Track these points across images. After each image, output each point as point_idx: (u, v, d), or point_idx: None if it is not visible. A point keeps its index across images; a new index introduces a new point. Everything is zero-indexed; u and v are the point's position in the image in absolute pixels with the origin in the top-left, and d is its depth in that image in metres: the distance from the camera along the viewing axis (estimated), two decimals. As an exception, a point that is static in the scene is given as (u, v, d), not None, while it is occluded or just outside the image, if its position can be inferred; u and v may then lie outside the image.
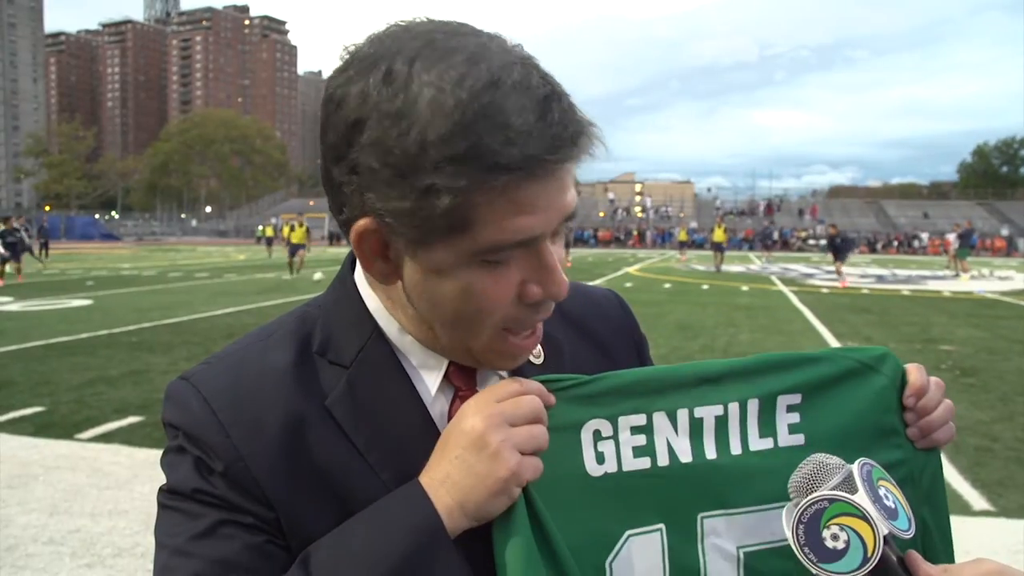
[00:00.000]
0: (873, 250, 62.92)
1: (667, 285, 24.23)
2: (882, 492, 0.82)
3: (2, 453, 6.25)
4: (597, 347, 1.12)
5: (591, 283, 1.32)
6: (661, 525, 0.93)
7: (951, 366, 10.40)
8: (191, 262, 35.43)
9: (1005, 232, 65.91)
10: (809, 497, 0.81)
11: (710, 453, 0.95)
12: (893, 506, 0.82)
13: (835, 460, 0.84)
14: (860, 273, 32.54)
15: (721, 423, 0.96)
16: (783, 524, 0.83)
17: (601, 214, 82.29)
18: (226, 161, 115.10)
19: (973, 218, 62.01)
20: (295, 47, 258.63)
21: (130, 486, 5.54)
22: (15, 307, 16.29)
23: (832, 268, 28.52)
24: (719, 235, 33.21)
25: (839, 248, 27.14)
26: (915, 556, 0.82)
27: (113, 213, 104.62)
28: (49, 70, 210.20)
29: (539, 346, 1.03)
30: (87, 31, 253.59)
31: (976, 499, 5.43)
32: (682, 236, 43.64)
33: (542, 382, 0.92)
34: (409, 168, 0.78)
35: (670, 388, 0.95)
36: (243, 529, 0.87)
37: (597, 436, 0.93)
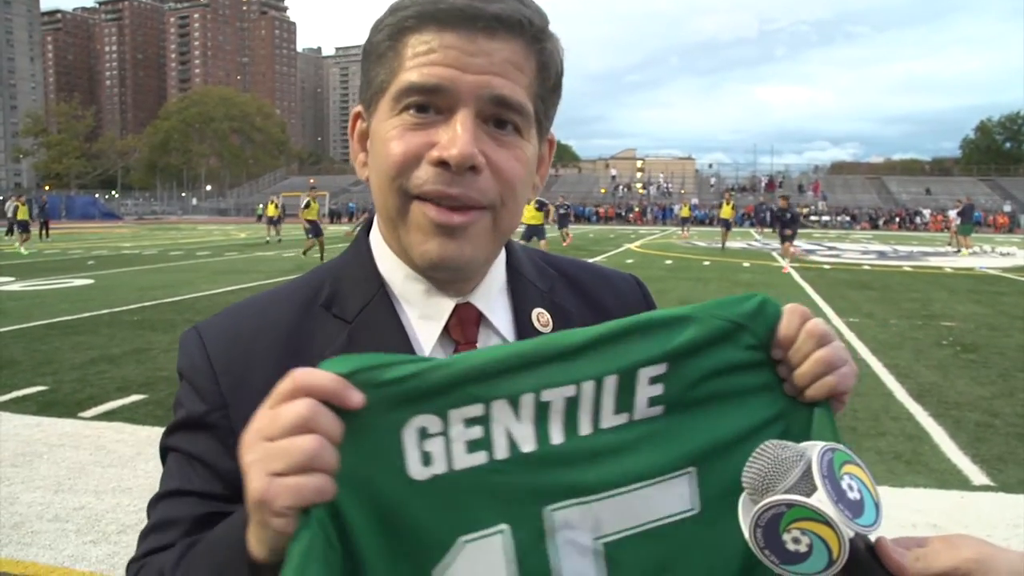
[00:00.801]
0: (875, 226, 62.79)
1: (668, 261, 24.23)
2: (845, 484, 0.74)
3: (6, 432, 6.28)
4: (602, 316, 1.08)
5: (592, 259, 1.32)
6: (503, 526, 0.81)
7: (952, 342, 10.42)
8: (192, 240, 35.40)
9: (1008, 208, 65.73)
10: (764, 502, 0.73)
11: (556, 438, 0.82)
12: (858, 497, 0.74)
13: (791, 451, 0.75)
14: (862, 249, 32.51)
15: (571, 404, 0.83)
16: (740, 522, 0.76)
17: (602, 191, 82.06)
18: (226, 139, 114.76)
19: (976, 194, 61.94)
20: (294, 24, 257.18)
21: (133, 463, 5.56)
22: (17, 287, 16.29)
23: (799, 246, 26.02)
24: (727, 212, 32.42)
25: (787, 223, 22.43)
26: (884, 543, 0.77)
27: (113, 192, 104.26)
28: (46, 49, 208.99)
29: (547, 315, 1.06)
30: (83, 9, 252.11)
31: (976, 474, 5.46)
32: (684, 212, 43.35)
33: (353, 371, 0.76)
34: (370, 39, 0.98)
35: (515, 370, 0.81)
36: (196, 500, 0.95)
37: (423, 434, 0.78)
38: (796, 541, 0.73)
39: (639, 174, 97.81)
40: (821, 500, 0.72)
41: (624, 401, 0.85)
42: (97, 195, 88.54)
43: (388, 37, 0.93)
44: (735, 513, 0.81)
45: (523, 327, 1.05)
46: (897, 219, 64.40)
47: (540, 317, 1.07)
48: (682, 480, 0.87)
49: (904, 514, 4.77)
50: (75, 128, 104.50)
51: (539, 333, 1.04)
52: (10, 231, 27.43)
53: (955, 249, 31.00)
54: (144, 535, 0.97)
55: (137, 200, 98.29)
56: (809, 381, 0.86)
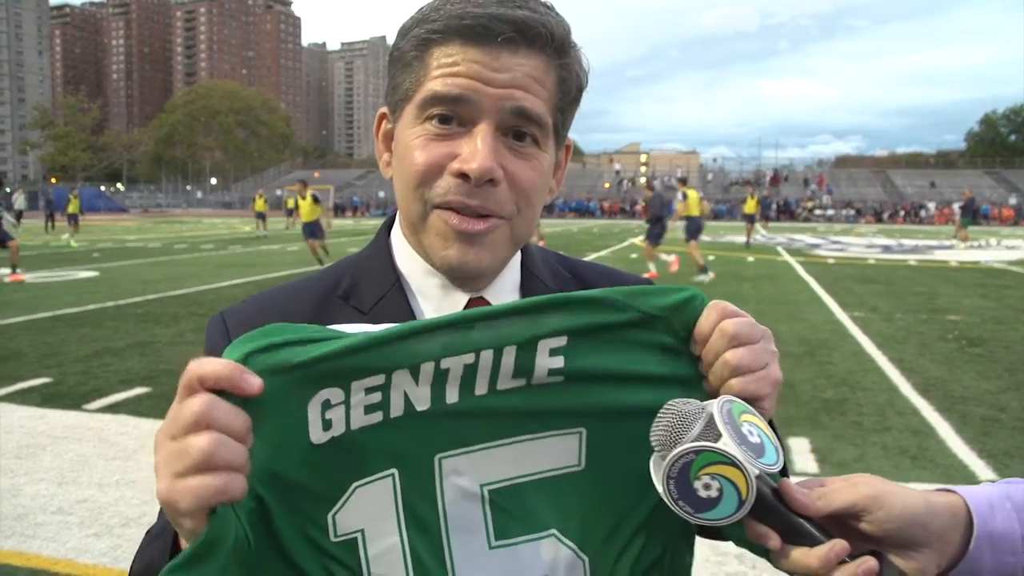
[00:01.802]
0: (880, 220, 62.69)
1: (672, 256, 24.18)
2: (745, 429, 0.78)
3: (10, 424, 6.28)
4: None
5: (595, 254, 1.32)
6: (393, 470, 0.85)
7: (957, 336, 10.38)
8: (196, 234, 35.45)
9: (1013, 201, 65.52)
10: (674, 452, 0.77)
11: (451, 398, 0.85)
12: (759, 440, 0.78)
13: (693, 406, 0.79)
14: (866, 243, 32.44)
15: (469, 370, 0.85)
16: (653, 479, 0.80)
17: (606, 185, 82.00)
18: (231, 133, 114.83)
19: (981, 187, 61.85)
20: (299, 18, 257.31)
21: (137, 456, 5.56)
22: (22, 278, 16.33)
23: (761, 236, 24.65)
24: (751, 206, 31.21)
25: (652, 220, 17.99)
26: (787, 484, 0.81)
27: (119, 185, 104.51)
28: (54, 43, 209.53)
29: None
30: (91, 3, 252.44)
31: (982, 469, 5.44)
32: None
33: (248, 355, 0.77)
34: (396, 44, 1.01)
35: (416, 340, 0.83)
36: None
37: (326, 406, 0.81)
38: (707, 487, 0.77)
39: (643, 168, 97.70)
40: (726, 443, 0.76)
41: (522, 368, 0.86)
42: (103, 188, 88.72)
43: (414, 47, 0.97)
44: (618, 473, 0.89)
45: None
46: (902, 212, 64.30)
47: None
48: (571, 438, 0.90)
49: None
50: (81, 121, 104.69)
51: None
52: (50, 224, 27.54)
53: (960, 242, 30.94)
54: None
55: (142, 193, 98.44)
56: (716, 383, 0.86)
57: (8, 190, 17.62)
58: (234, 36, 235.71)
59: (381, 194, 76.41)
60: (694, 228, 17.66)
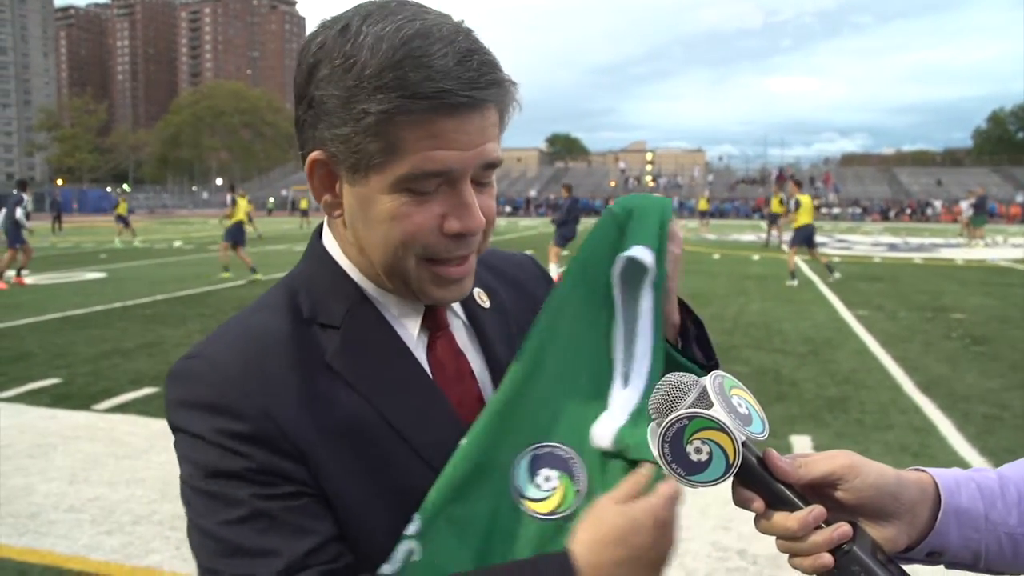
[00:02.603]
0: (886, 218, 62.56)
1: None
2: (735, 401, 0.87)
3: (22, 423, 6.36)
4: (518, 288, 1.29)
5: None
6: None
7: (961, 334, 10.40)
8: (203, 234, 35.52)
9: (1020, 199, 65.29)
10: (670, 417, 0.85)
11: None
12: (747, 412, 0.87)
13: (688, 377, 0.88)
14: (872, 242, 32.39)
15: None
16: (649, 444, 0.87)
17: (612, 183, 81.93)
18: (236, 133, 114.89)
19: (988, 185, 61.53)
20: (303, 19, 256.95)
21: (147, 455, 5.63)
22: (30, 280, 16.42)
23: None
24: (776, 206, 30.19)
25: (561, 222, 17.43)
26: (771, 453, 0.89)
27: (125, 186, 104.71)
28: (59, 44, 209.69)
29: (485, 294, 1.20)
30: (96, 4, 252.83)
31: (983, 466, 5.46)
32: (702, 205, 42.54)
33: None
34: (349, 96, 0.93)
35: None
36: (282, 499, 0.93)
37: None
38: (698, 451, 0.85)
39: (649, 167, 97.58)
40: (716, 411, 0.85)
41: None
42: (109, 189, 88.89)
43: (382, 116, 0.92)
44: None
45: (471, 306, 1.18)
46: (908, 210, 64.13)
47: (480, 296, 1.20)
48: None
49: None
50: (87, 122, 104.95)
51: (483, 310, 1.19)
52: (57, 225, 27.88)
53: (966, 241, 30.86)
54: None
55: (148, 194, 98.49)
56: None
57: (26, 195, 17.51)
58: (239, 36, 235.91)
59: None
60: (807, 235, 16.92)
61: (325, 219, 1.11)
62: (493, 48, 0.99)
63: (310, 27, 1.06)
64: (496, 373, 1.13)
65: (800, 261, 21.44)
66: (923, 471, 0.96)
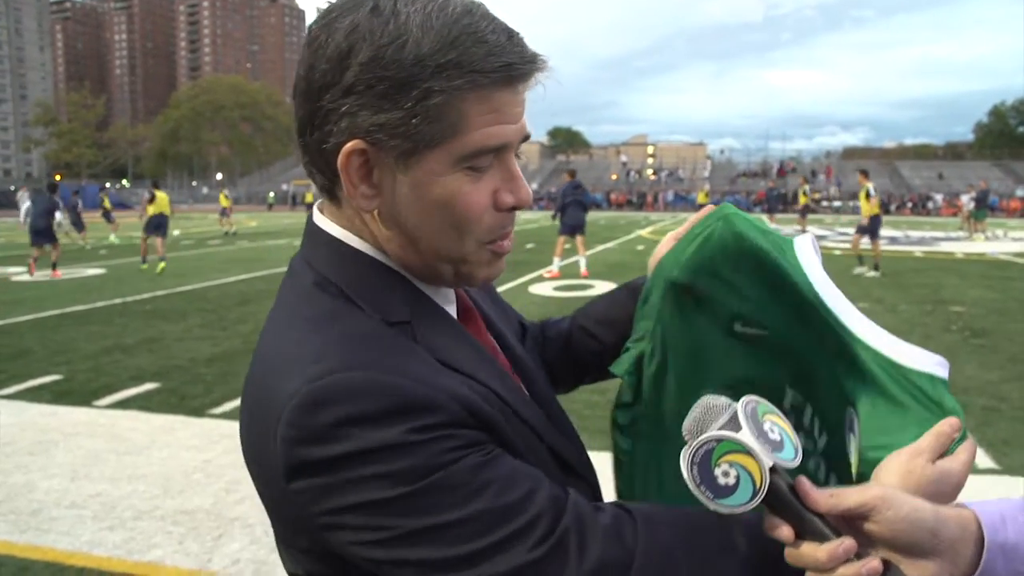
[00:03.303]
0: (887, 211, 62.43)
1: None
2: (767, 426, 0.85)
3: (22, 420, 6.37)
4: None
5: (602, 247, 1.39)
6: None
7: (961, 327, 10.42)
8: (202, 229, 35.56)
9: (1021, 193, 65.26)
10: (699, 439, 0.85)
11: None
12: (779, 439, 0.85)
13: (722, 400, 0.87)
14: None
15: None
16: (681, 466, 0.86)
17: (614, 177, 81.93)
18: (236, 127, 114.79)
19: (989, 178, 61.42)
20: (303, 11, 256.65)
21: (148, 451, 5.65)
22: (30, 277, 16.43)
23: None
24: (803, 198, 30.89)
25: (563, 207, 16.51)
26: (803, 481, 0.86)
27: (124, 182, 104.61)
28: (55, 38, 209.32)
29: None
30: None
31: (982, 457, 5.49)
32: (701, 198, 42.86)
33: None
34: (406, 77, 0.89)
35: None
36: (500, 458, 0.91)
37: None
38: (725, 475, 0.83)
39: (650, 160, 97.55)
40: (744, 435, 0.84)
41: None
42: (108, 184, 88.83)
43: (452, 88, 0.90)
44: None
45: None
46: (909, 204, 64.09)
47: None
48: None
49: (909, 499, 4.81)
50: (85, 117, 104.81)
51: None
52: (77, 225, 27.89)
53: (967, 234, 30.86)
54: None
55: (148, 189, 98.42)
56: None
57: (59, 197, 18.24)
58: (238, 30, 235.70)
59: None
60: (877, 226, 17.24)
61: (324, 217, 1.05)
62: None
63: (309, 20, 1.03)
64: (503, 345, 1.17)
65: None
66: (964, 507, 0.90)
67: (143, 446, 5.76)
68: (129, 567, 4.02)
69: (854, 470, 1.11)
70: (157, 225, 18.51)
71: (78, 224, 27.14)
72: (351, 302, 0.98)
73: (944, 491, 0.92)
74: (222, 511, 4.63)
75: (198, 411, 6.56)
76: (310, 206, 13.29)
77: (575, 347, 1.45)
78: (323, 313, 0.97)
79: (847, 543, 0.82)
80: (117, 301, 12.77)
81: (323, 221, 1.06)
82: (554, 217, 17.02)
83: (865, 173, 18.09)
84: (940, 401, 1.07)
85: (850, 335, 1.14)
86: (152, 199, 18.87)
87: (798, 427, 1.26)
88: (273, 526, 1.00)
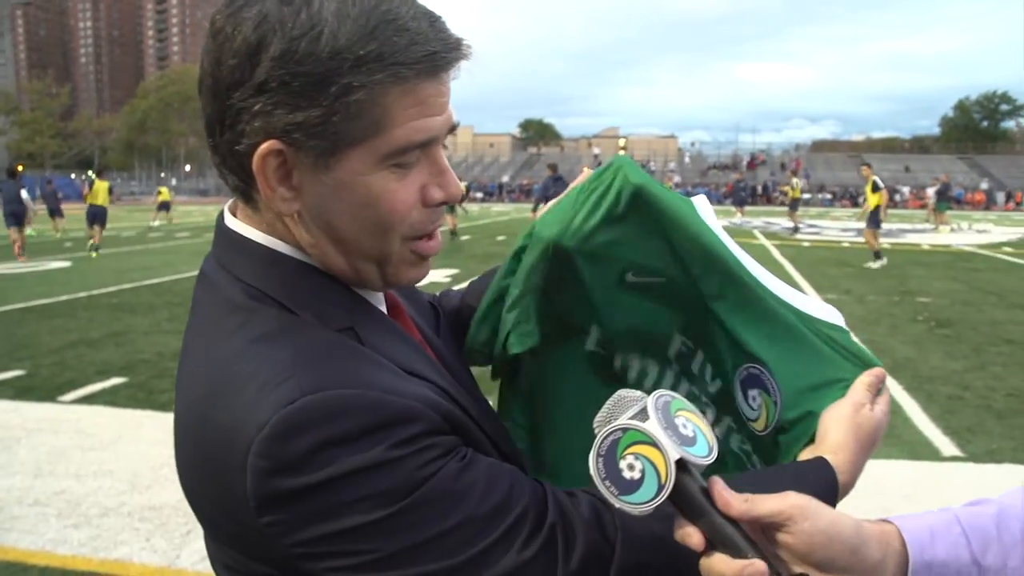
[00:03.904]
0: (855, 204, 63.05)
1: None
2: (679, 421, 0.80)
3: (-15, 416, 6.27)
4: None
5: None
6: None
7: (927, 317, 10.56)
8: (174, 222, 35.17)
9: (985, 186, 66.25)
10: (606, 428, 0.80)
11: None
12: (692, 434, 0.79)
13: (636, 393, 0.82)
14: (841, 227, 32.67)
15: None
16: (589, 460, 0.81)
17: (585, 169, 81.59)
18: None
19: (954, 172, 62.31)
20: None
21: (114, 447, 5.58)
22: (23, 263, 16.20)
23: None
24: (798, 192, 30.27)
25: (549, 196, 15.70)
26: (716, 481, 0.80)
27: (90, 172, 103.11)
28: (16, 24, 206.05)
29: None
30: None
31: (946, 445, 5.57)
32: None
33: None
34: (323, 73, 0.83)
35: None
36: (478, 460, 0.89)
37: None
38: (631, 468, 0.78)
39: (622, 152, 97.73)
40: (651, 424, 0.78)
41: None
42: (73, 176, 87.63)
43: (373, 83, 0.85)
44: None
45: None
46: (877, 196, 64.71)
47: None
48: None
49: (876, 485, 4.86)
50: (49, 106, 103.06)
51: None
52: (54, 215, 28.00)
53: (933, 226, 31.24)
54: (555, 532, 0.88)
55: (115, 181, 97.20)
56: None
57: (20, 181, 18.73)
58: (207, 19, 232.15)
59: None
60: (876, 218, 17.50)
61: (240, 220, 0.99)
62: (466, 34, 0.93)
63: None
64: (423, 335, 1.14)
65: (771, 246, 21.60)
66: (890, 522, 0.85)
67: (109, 442, 5.69)
68: (95, 565, 3.96)
69: (763, 423, 1.13)
70: (93, 215, 19.48)
71: (56, 212, 27.67)
72: (291, 313, 0.92)
73: (879, 428, 1.02)
74: (190, 507, 4.57)
75: (166, 406, 6.48)
76: (163, 205, 13.12)
77: (464, 324, 1.41)
78: (272, 329, 0.90)
79: (757, 565, 0.76)
80: (83, 294, 12.60)
81: (240, 225, 0.98)
82: (534, 210, 17.20)
83: (869, 166, 18.50)
84: (857, 352, 1.09)
85: (763, 288, 1.14)
86: (91, 185, 19.95)
87: (686, 373, 1.29)
88: (217, 550, 0.95)
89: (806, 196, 65.25)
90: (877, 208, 17.22)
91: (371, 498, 0.80)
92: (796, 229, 28.84)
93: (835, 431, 1.01)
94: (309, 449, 0.79)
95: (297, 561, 0.83)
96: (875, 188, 17.14)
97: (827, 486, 0.96)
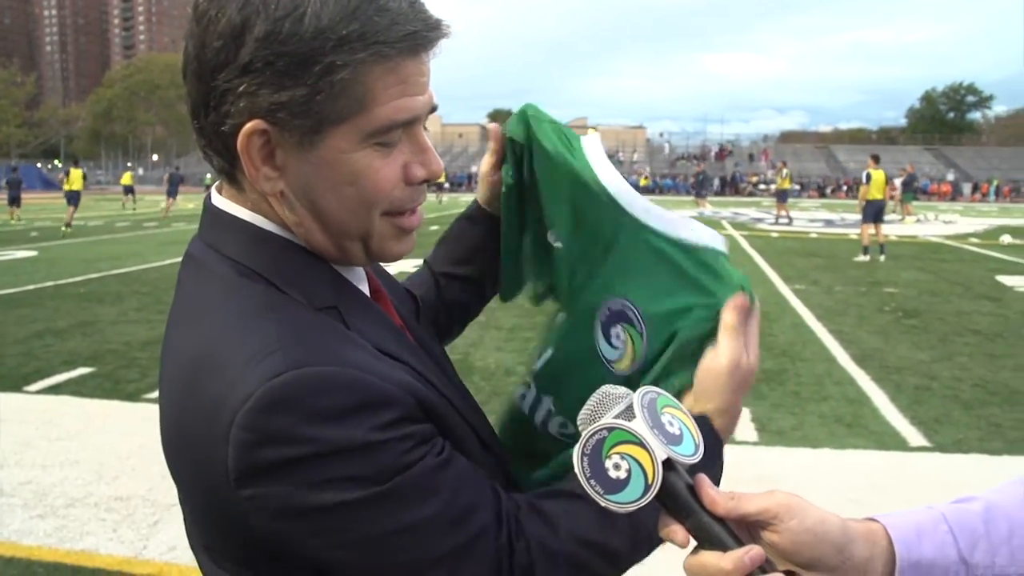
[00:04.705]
0: (823, 195, 63.69)
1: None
2: (665, 419, 0.80)
3: (-52, 407, 6.17)
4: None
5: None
6: None
7: (894, 308, 10.67)
8: (139, 211, 34.78)
9: (951, 177, 67.08)
10: (590, 428, 0.79)
11: None
12: (678, 432, 0.80)
13: (621, 390, 0.82)
14: (809, 218, 33.01)
15: None
16: (573, 459, 0.80)
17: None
18: (173, 107, 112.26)
19: (920, 163, 63.12)
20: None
21: (81, 437, 5.51)
22: (-44, 259, 15.94)
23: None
24: (785, 182, 29.42)
25: None
26: (702, 479, 0.80)
27: (56, 162, 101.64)
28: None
29: None
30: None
31: (914, 435, 5.63)
32: (643, 182, 43.19)
33: None
34: (307, 52, 0.85)
35: None
36: (448, 458, 0.90)
37: None
38: (617, 467, 0.77)
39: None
40: (637, 424, 0.78)
41: None
42: (39, 165, 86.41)
43: (356, 62, 0.86)
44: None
45: None
46: (844, 187, 65.34)
47: None
48: None
49: (844, 476, 4.92)
50: (15, 95, 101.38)
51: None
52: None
53: (899, 217, 31.59)
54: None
55: (81, 170, 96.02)
56: None
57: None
58: (174, 7, 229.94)
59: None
60: (876, 209, 17.21)
61: (226, 200, 0.99)
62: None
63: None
64: (404, 320, 1.14)
65: (740, 236, 21.73)
66: (877, 521, 0.85)
67: (76, 432, 5.62)
68: (61, 556, 3.92)
69: (628, 361, 1.12)
70: (70, 198, 24.75)
71: (16, 201, 28.56)
72: (279, 290, 0.93)
73: (749, 375, 1.01)
74: (158, 497, 4.54)
75: (133, 396, 6.42)
76: (128, 189, 13.25)
77: (448, 294, 1.43)
78: (258, 304, 0.91)
79: (754, 552, 0.76)
80: (49, 284, 12.43)
81: (226, 204, 0.99)
82: None
83: (876, 159, 18.19)
84: (728, 274, 1.05)
85: (634, 220, 1.13)
86: (67, 174, 25.57)
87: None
88: (196, 531, 0.96)
89: (773, 187, 65.81)
90: (873, 200, 17.27)
91: (352, 479, 0.81)
92: (789, 220, 28.66)
93: (715, 389, 1.00)
94: (293, 423, 0.80)
95: (273, 538, 0.84)
96: (867, 180, 17.32)
97: (712, 453, 0.93)
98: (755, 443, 5.46)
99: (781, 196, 29.67)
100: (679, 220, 1.10)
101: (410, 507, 0.84)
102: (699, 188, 37.31)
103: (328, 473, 0.81)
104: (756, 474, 4.80)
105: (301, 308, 0.92)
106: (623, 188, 1.13)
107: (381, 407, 0.84)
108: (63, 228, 22.35)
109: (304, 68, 0.85)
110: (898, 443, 5.49)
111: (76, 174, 25.49)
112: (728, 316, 1.00)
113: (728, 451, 1.09)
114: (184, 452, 0.89)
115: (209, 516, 0.91)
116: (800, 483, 4.72)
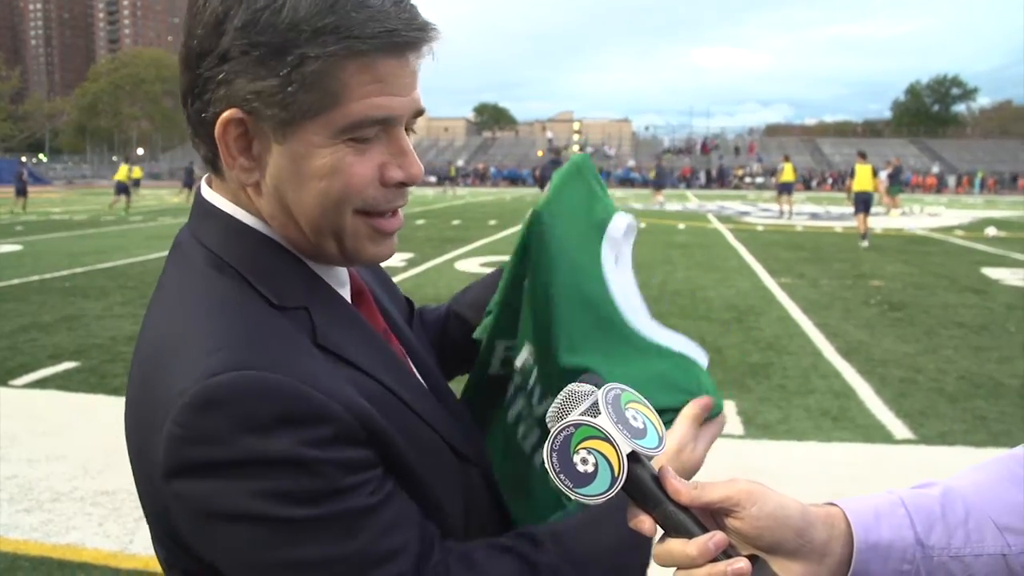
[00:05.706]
0: (808, 187, 63.89)
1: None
2: (630, 414, 0.82)
3: (-68, 402, 6.14)
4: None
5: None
6: None
7: (880, 301, 10.72)
8: (124, 205, 34.55)
9: (936, 169, 67.40)
10: (558, 425, 0.82)
11: None
12: (642, 426, 0.82)
13: (585, 388, 0.84)
14: (795, 210, 33.11)
15: None
16: (544, 455, 0.83)
17: (540, 153, 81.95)
18: (158, 102, 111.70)
19: (905, 156, 63.40)
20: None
21: (67, 431, 5.49)
22: (-60, 253, 15.83)
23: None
24: (788, 173, 28.97)
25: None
26: (667, 470, 0.82)
27: (41, 156, 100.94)
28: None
29: None
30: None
31: (899, 428, 5.66)
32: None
33: None
34: (281, 43, 0.86)
35: None
36: (381, 490, 0.88)
37: None
38: (584, 462, 0.80)
39: (576, 136, 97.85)
40: (602, 420, 0.80)
41: None
42: (24, 158, 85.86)
43: (328, 55, 0.86)
44: None
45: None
46: (830, 180, 65.60)
47: None
48: None
49: (829, 468, 4.95)
50: (0, 89, 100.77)
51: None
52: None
53: (885, 210, 31.70)
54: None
55: (66, 164, 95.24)
56: None
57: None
58: (159, 2, 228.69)
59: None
60: (862, 200, 18.47)
61: (212, 191, 1.00)
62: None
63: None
64: (395, 329, 1.14)
65: (726, 230, 21.78)
66: (836, 505, 0.88)
67: (62, 426, 5.60)
68: (47, 550, 3.90)
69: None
70: (119, 188, 30.31)
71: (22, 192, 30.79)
72: (247, 284, 0.93)
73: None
74: (145, 491, 4.52)
75: (119, 390, 6.39)
76: (121, 187, 13.45)
77: (451, 334, 1.43)
78: (218, 298, 0.92)
79: (717, 537, 0.79)
80: (34, 278, 12.36)
81: (211, 195, 1.00)
82: (542, 187, 18.30)
83: (863, 155, 19.85)
84: (697, 383, 1.14)
85: (618, 315, 1.21)
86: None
87: (522, 389, 1.32)
88: (154, 532, 0.96)
89: (759, 180, 66.02)
90: (859, 192, 18.57)
91: (275, 494, 0.81)
92: (780, 214, 28.70)
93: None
94: (223, 425, 0.80)
95: (191, 539, 0.85)
96: (852, 175, 18.41)
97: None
98: (741, 436, 5.48)
99: (785, 189, 29.41)
100: (662, 329, 1.21)
101: (327, 541, 0.83)
102: (657, 180, 37.41)
103: (251, 483, 0.80)
104: (742, 467, 4.83)
105: (264, 308, 0.92)
106: (623, 288, 1.22)
107: (315, 422, 0.83)
108: (123, 212, 28.62)
109: (278, 58, 0.86)
110: (883, 436, 5.52)
111: (124, 169, 31.67)
112: (690, 409, 1.07)
113: (715, 444, 1.11)
114: (132, 435, 0.91)
115: (150, 504, 0.91)
116: (786, 476, 4.75)
